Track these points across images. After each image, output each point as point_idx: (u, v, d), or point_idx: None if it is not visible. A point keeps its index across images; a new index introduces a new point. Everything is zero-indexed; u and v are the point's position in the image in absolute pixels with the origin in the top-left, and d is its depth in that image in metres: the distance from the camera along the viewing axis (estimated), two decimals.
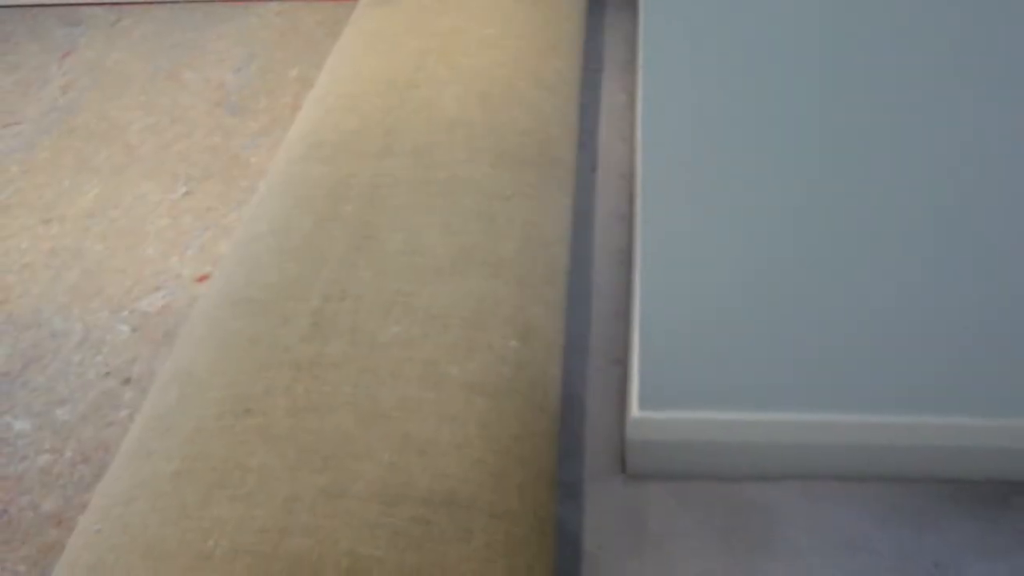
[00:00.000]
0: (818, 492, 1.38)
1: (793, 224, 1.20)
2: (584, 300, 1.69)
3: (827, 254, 1.22)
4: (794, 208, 1.19)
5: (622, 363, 1.58)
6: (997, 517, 1.34)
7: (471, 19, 1.99)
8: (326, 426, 1.15)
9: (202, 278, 1.82)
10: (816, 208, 1.19)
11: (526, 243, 1.45)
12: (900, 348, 1.30)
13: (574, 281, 1.72)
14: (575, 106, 1.91)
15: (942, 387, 1.33)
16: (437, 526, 1.06)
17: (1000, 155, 1.14)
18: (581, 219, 1.84)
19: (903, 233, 1.20)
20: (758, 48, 1.08)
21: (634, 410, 1.39)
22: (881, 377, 1.33)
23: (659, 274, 1.27)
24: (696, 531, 1.34)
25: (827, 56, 1.08)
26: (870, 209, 1.18)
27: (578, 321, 1.65)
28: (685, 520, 1.35)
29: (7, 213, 2.05)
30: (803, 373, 1.32)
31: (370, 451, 1.12)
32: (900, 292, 1.25)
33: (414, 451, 1.12)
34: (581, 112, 2.04)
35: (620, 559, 1.31)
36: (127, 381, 1.61)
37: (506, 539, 1.09)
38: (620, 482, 1.41)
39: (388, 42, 1.96)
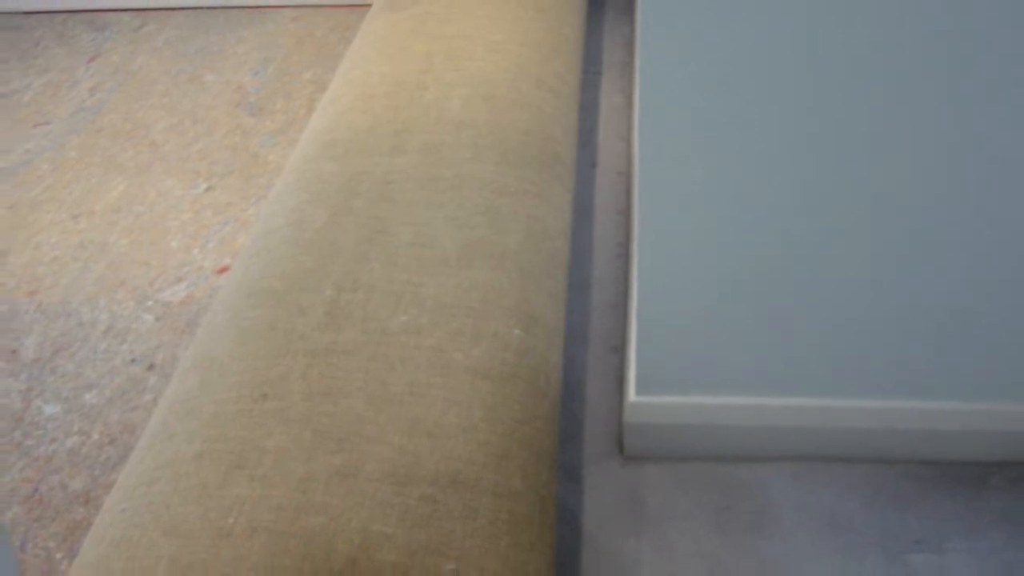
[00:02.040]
0: (807, 473, 1.38)
1: (783, 217, 1.20)
2: (584, 290, 1.69)
3: (816, 246, 1.22)
4: (784, 201, 1.18)
5: (620, 350, 1.57)
6: (976, 496, 1.34)
7: (477, 25, 1.98)
8: (339, 410, 1.14)
9: (222, 270, 1.82)
10: (804, 200, 1.18)
11: (529, 236, 1.44)
12: (884, 336, 1.30)
13: (575, 272, 1.71)
14: (576, 107, 1.90)
15: (924, 373, 1.33)
16: (444, 505, 1.05)
17: (989, 149, 1.13)
18: (581, 213, 1.83)
19: (888, 227, 1.20)
20: (750, 50, 1.08)
21: (631, 395, 1.39)
22: (866, 363, 1.32)
23: (655, 265, 1.26)
24: (691, 511, 1.33)
25: (817, 56, 1.07)
26: (855, 202, 1.17)
27: (579, 310, 1.65)
28: (680, 500, 1.35)
29: (38, 209, 2.04)
30: (793, 360, 1.32)
31: (381, 434, 1.12)
32: (883, 283, 1.25)
33: (422, 434, 1.12)
34: (582, 113, 2.03)
35: (618, 537, 1.31)
36: (151, 367, 1.61)
37: (509, 517, 1.09)
38: (618, 464, 1.41)
39: (397, 46, 1.95)
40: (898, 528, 1.30)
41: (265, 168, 2.12)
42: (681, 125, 1.14)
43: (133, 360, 1.62)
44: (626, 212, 1.85)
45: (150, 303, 1.74)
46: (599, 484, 1.38)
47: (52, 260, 1.87)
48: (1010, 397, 1.34)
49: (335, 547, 1.00)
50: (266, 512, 1.03)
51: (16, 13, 2.97)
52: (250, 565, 0.99)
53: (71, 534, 1.35)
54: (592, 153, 2.00)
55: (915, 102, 1.09)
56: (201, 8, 2.91)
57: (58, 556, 1.33)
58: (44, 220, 2.00)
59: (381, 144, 1.62)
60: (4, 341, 1.68)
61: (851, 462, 1.39)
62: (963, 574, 1.25)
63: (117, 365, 1.62)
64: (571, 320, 1.61)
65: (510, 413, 1.18)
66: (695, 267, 1.25)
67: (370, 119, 1.70)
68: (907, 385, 1.34)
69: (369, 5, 2.23)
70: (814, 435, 1.37)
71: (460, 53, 1.87)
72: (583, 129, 2.04)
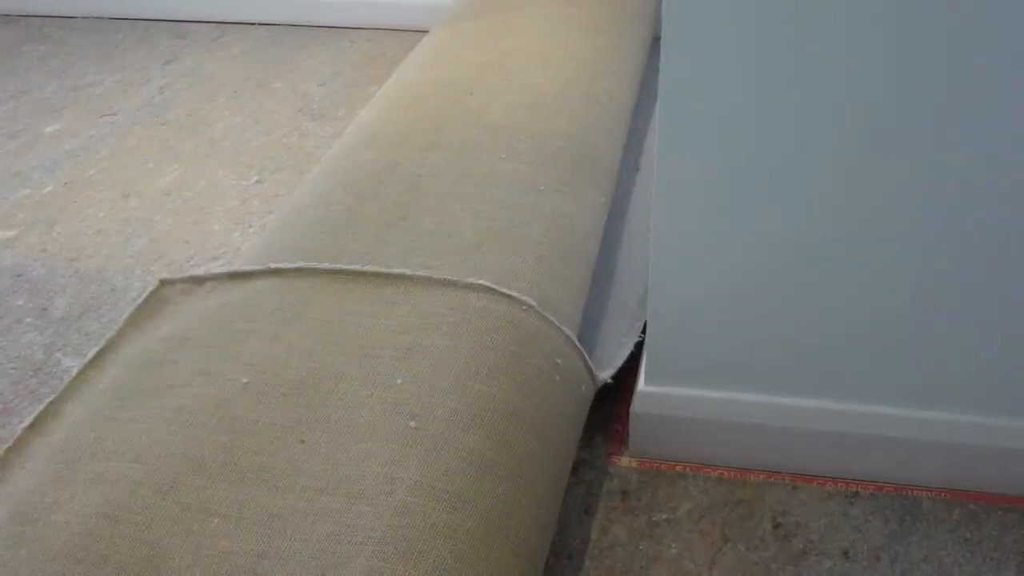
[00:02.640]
0: (810, 480, 1.35)
1: (799, 214, 1.18)
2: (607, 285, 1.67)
3: (835, 242, 1.20)
4: (800, 197, 1.17)
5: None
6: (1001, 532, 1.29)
7: (533, 41, 2.01)
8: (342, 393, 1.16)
9: None
10: (821, 198, 1.17)
11: (552, 229, 1.45)
12: (903, 340, 1.26)
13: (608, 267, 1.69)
14: (623, 121, 1.91)
15: (952, 381, 1.28)
16: (438, 489, 1.05)
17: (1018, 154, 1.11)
18: (618, 216, 1.81)
19: (907, 227, 1.17)
20: (770, 53, 1.08)
21: (641, 384, 1.38)
22: (883, 368, 1.28)
23: (670, 257, 1.26)
24: (689, 508, 1.31)
25: (836, 57, 1.07)
26: (875, 200, 1.16)
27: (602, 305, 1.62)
28: (679, 497, 1.33)
29: (91, 186, 2.10)
30: (805, 359, 1.29)
31: (398, 401, 1.12)
32: (909, 282, 1.21)
33: (427, 404, 1.12)
34: (632, 127, 2.03)
35: (615, 533, 1.29)
36: None
37: (504, 502, 1.07)
38: (621, 460, 1.39)
39: (452, 55, 1.99)
40: (904, 552, 1.26)
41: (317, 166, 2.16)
42: (700, 121, 1.14)
43: None
44: None
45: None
46: (601, 482, 1.36)
47: (96, 232, 1.92)
48: None
49: None
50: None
51: (102, 18, 3.10)
52: None
53: None
54: (637, 157, 2.00)
55: (936, 99, 1.08)
56: (279, 24, 3.00)
57: None
58: (95, 197, 2.06)
59: (418, 139, 1.65)
60: (36, 300, 1.72)
61: (857, 476, 1.36)
62: None
63: None
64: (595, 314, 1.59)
65: (517, 391, 1.18)
66: (709, 259, 1.24)
67: (412, 116, 1.73)
68: (928, 395, 1.29)
69: None
70: (823, 442, 1.33)
71: (512, 65, 1.90)
72: (632, 139, 2.04)
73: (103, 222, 1.96)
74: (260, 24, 3.00)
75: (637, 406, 1.37)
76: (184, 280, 1.40)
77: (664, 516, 1.30)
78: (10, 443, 1.15)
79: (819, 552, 1.25)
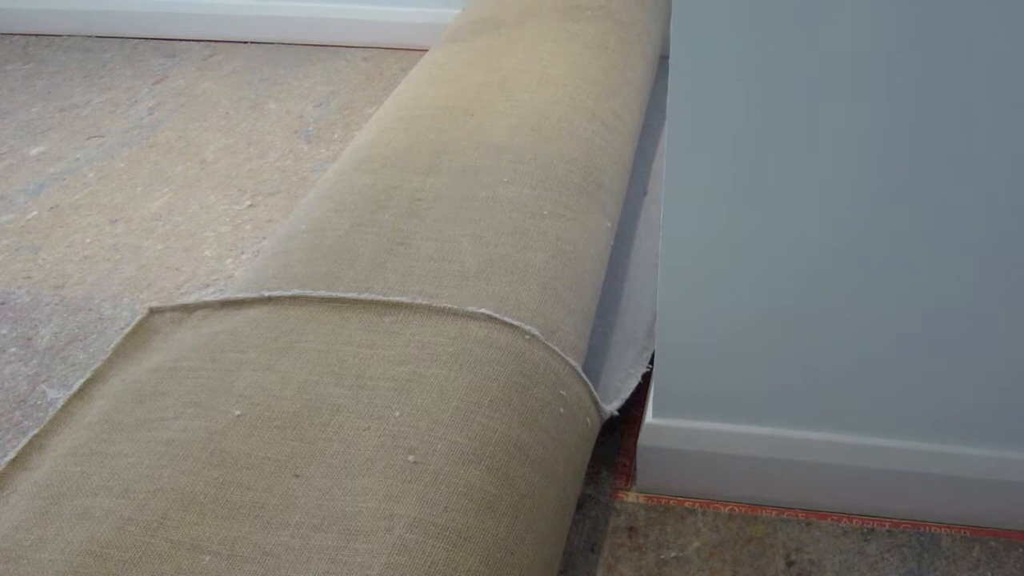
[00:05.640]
0: (824, 516, 1.35)
1: (812, 242, 1.19)
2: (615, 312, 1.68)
3: (849, 272, 1.21)
4: (813, 225, 1.18)
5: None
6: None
7: (536, 59, 2.03)
8: (334, 422, 1.16)
9: None
10: (836, 224, 1.17)
11: (556, 255, 1.46)
12: (919, 371, 1.26)
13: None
14: (630, 142, 1.92)
15: (971, 416, 1.28)
16: (440, 524, 1.05)
17: None
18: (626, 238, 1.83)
19: (924, 258, 1.18)
20: (778, 68, 1.09)
21: (648, 417, 1.38)
22: (899, 400, 1.29)
23: (679, 284, 1.26)
24: (699, 546, 1.32)
25: (850, 76, 1.08)
26: (884, 237, 1.17)
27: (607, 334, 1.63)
28: (688, 534, 1.33)
29: (77, 211, 2.12)
30: (820, 391, 1.29)
31: (396, 434, 1.13)
32: (924, 311, 1.22)
33: (426, 436, 1.12)
34: (640, 150, 2.04)
35: (621, 571, 1.29)
36: None
37: (508, 535, 1.08)
38: (628, 495, 1.40)
39: (452, 74, 2.00)
40: None
41: (312, 190, 2.17)
42: (710, 143, 1.15)
43: None
44: None
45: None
46: (607, 518, 1.37)
47: (83, 259, 1.94)
48: None
49: None
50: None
51: (88, 36, 3.13)
52: None
53: None
54: (644, 182, 2.02)
55: (949, 114, 1.09)
56: (273, 43, 3.02)
57: None
58: (82, 222, 2.08)
59: (418, 163, 1.66)
60: (20, 329, 1.74)
61: (870, 513, 1.36)
62: None
63: None
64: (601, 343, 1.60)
65: (519, 424, 1.18)
66: (718, 289, 1.25)
67: (411, 138, 1.74)
68: (941, 429, 1.30)
69: None
70: (844, 476, 1.34)
71: (514, 84, 1.91)
72: (640, 162, 2.06)
73: (90, 248, 1.98)
74: (253, 42, 3.03)
75: (645, 439, 1.38)
76: (174, 308, 1.41)
77: (673, 554, 1.31)
78: None
79: None
